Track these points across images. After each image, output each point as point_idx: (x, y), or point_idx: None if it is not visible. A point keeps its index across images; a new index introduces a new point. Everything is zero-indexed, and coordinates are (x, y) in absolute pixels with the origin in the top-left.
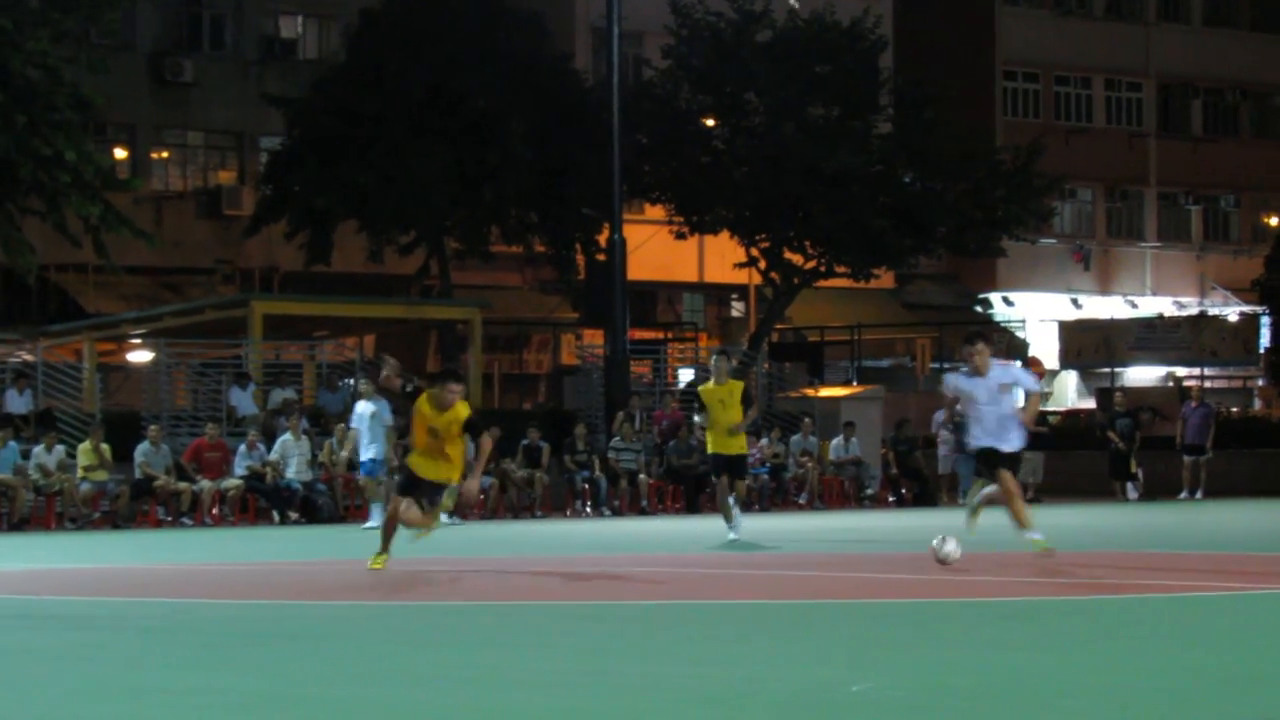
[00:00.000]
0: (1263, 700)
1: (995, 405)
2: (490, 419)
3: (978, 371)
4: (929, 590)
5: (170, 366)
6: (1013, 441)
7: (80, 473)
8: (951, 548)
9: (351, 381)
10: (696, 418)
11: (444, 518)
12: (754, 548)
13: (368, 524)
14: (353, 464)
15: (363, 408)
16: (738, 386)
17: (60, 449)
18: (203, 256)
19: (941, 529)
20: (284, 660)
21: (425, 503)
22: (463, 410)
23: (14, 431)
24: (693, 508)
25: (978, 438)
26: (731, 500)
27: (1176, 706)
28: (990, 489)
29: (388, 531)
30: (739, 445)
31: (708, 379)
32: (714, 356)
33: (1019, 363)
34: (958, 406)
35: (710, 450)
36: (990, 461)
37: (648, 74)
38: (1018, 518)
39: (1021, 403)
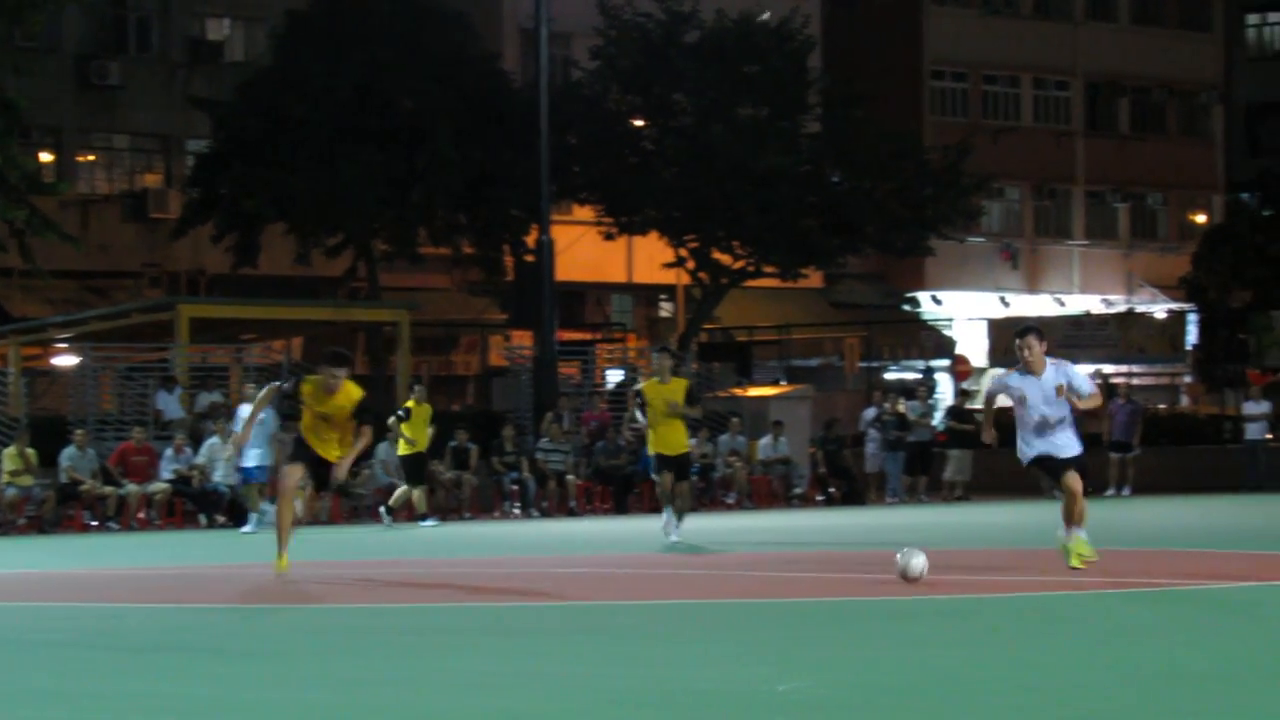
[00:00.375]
0: (1187, 696)
1: (1050, 408)
2: None
3: (1031, 369)
4: (856, 589)
5: (96, 370)
6: (1070, 447)
7: (5, 477)
8: (919, 562)
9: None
10: (640, 415)
11: (386, 519)
12: (684, 548)
13: (245, 528)
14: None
15: (247, 411)
16: (682, 385)
17: None
18: (129, 260)
19: (869, 527)
20: (212, 665)
21: (307, 476)
22: (354, 392)
23: None
24: (621, 508)
25: (1031, 445)
26: (669, 511)
27: (1102, 702)
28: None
29: (281, 528)
30: (681, 444)
31: (651, 377)
32: (655, 353)
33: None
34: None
35: (652, 450)
36: (1053, 468)
37: (576, 75)
38: (1070, 517)
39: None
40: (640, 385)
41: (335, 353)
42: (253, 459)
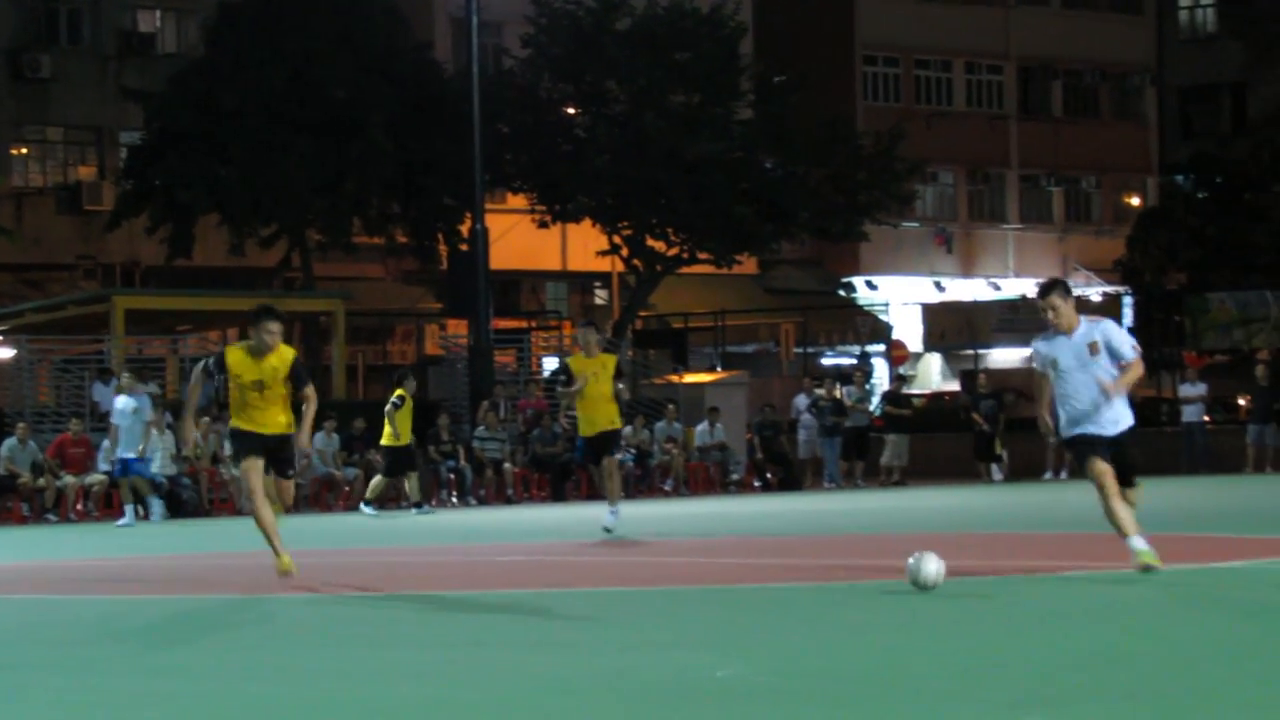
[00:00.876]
0: (1124, 677)
1: (1086, 371)
2: (355, 411)
3: (1059, 329)
4: (794, 575)
5: (32, 363)
6: (1115, 421)
7: None
8: (934, 568)
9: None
10: (563, 389)
11: (422, 509)
12: (622, 536)
13: (120, 522)
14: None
15: (123, 403)
16: (610, 360)
17: None
18: (64, 252)
19: (805, 512)
20: (149, 656)
21: (271, 466)
22: (288, 352)
23: None
24: (558, 496)
25: (1073, 420)
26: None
27: (1038, 684)
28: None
29: (267, 528)
30: (610, 420)
31: (578, 353)
32: (580, 327)
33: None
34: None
35: (581, 433)
36: (1083, 452)
37: (508, 63)
38: (1115, 522)
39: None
40: (567, 360)
41: (265, 307)
42: (127, 451)
